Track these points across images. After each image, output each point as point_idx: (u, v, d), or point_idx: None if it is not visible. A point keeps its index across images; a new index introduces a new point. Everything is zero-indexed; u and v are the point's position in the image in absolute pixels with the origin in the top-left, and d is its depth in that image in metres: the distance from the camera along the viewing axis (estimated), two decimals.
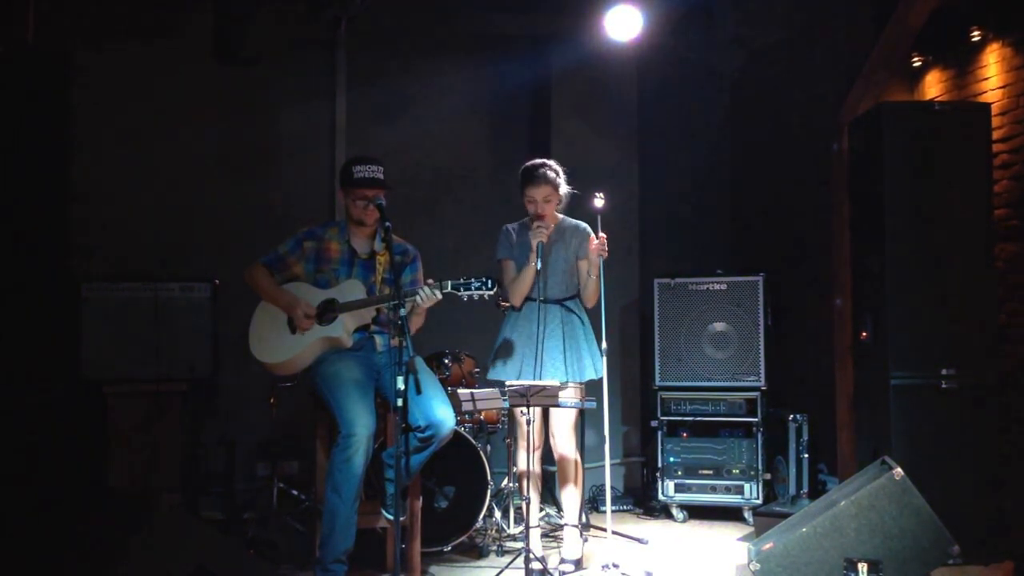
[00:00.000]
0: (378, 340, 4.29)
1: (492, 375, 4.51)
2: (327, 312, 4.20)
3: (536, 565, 4.17)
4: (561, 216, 4.57)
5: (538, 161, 4.50)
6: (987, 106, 4.81)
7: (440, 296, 4.04)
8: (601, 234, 4.36)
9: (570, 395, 4.29)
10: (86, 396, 4.98)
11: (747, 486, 5.45)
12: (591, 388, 4.51)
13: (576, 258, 4.52)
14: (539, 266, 4.32)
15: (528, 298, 4.47)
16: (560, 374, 4.38)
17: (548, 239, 4.38)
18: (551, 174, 4.44)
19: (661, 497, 5.61)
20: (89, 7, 5.46)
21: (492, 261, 4.58)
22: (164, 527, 3.62)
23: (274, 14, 5.69)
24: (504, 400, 4.13)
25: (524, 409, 4.14)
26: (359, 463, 3.94)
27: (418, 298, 4.02)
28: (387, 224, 4.03)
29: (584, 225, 4.55)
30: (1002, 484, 4.54)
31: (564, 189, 4.49)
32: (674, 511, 5.61)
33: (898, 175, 4.57)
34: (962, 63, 5.20)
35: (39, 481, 4.08)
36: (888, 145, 4.57)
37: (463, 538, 4.69)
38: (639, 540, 5.05)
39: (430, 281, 4.04)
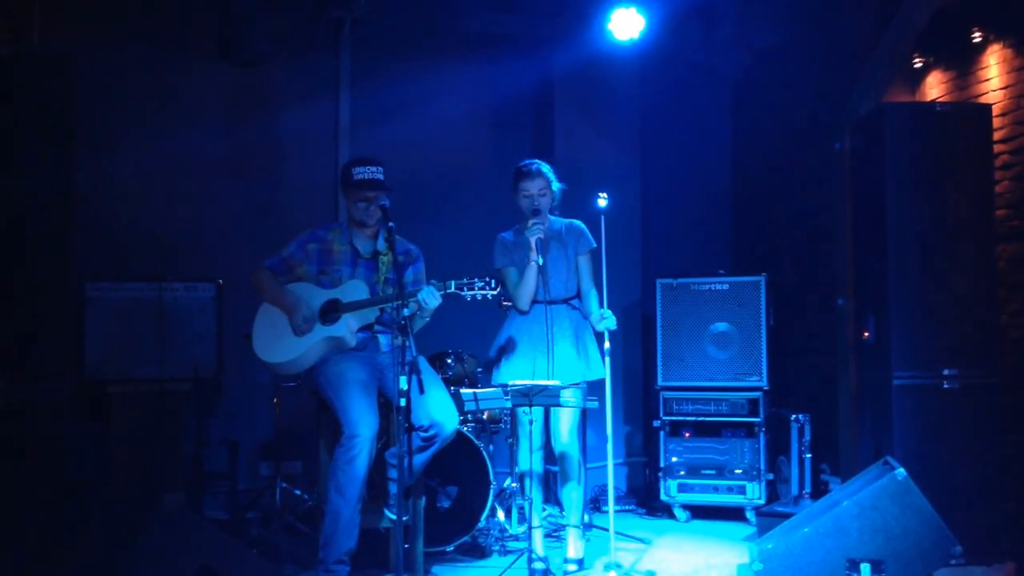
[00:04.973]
0: (381, 340, 4.30)
1: (499, 379, 4.46)
2: (330, 312, 4.21)
3: (539, 565, 4.18)
4: (553, 218, 4.59)
5: (528, 160, 4.56)
6: (988, 107, 4.82)
7: (440, 300, 4.03)
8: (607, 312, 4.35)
9: (572, 395, 4.30)
10: (90, 395, 4.99)
11: (749, 486, 5.46)
12: (593, 388, 4.52)
13: (576, 255, 4.53)
14: (540, 261, 4.33)
15: (533, 300, 4.48)
16: (577, 374, 4.39)
17: (545, 239, 4.40)
18: (544, 169, 4.50)
19: (664, 497, 5.62)
20: (94, 9, 5.48)
21: (493, 264, 4.58)
22: (168, 526, 3.63)
23: (278, 15, 5.70)
24: (507, 400, 4.14)
25: (526, 409, 4.15)
26: (362, 463, 3.95)
27: (420, 298, 4.02)
28: (390, 224, 4.04)
29: (578, 223, 4.58)
30: (1004, 484, 4.54)
31: (556, 186, 4.52)
32: (677, 511, 5.62)
33: (900, 175, 4.57)
34: (963, 64, 5.21)
35: (42, 480, 4.08)
36: (890, 146, 4.58)
37: (466, 538, 4.69)
38: (641, 540, 5.06)
39: (433, 281, 4.05)
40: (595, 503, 5.74)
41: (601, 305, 4.44)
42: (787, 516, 4.45)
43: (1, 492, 3.96)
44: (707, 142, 6.74)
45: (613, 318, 4.37)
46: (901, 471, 3.85)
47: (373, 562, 4.35)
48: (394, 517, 4.04)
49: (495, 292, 4.00)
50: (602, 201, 4.39)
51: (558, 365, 4.36)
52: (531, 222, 4.37)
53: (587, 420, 5.32)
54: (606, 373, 4.40)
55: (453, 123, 6.28)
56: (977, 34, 5.06)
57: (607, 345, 4.36)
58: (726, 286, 5.62)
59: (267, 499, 5.20)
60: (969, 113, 4.76)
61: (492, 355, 4.58)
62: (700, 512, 5.61)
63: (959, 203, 4.58)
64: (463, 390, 4.26)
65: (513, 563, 4.32)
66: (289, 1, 5.78)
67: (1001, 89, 4.95)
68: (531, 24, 6.18)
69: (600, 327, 4.39)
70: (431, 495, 4.59)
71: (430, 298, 4.00)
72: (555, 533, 5.05)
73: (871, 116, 4.81)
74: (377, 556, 4.37)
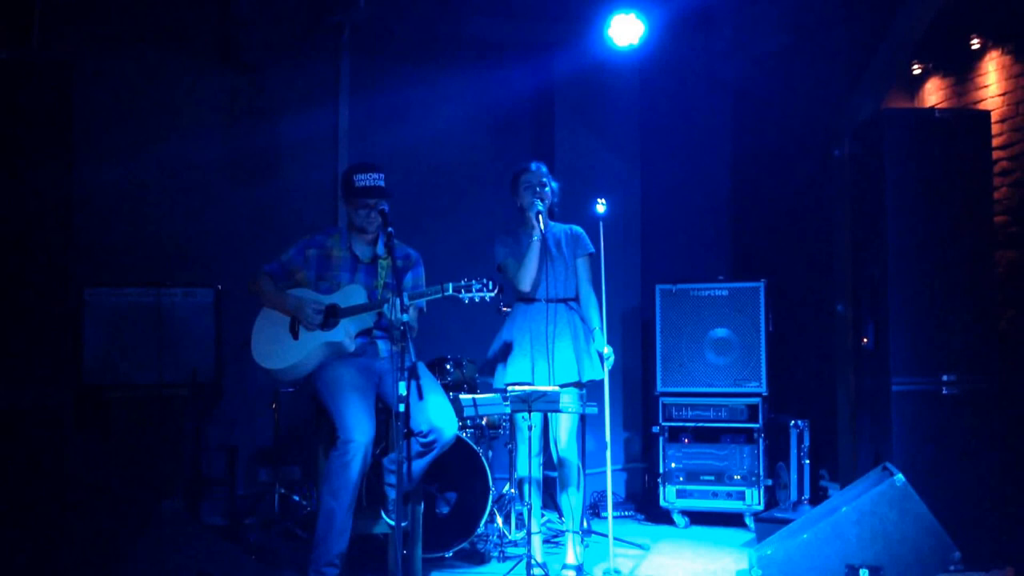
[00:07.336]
0: (380, 345, 4.30)
1: (499, 377, 4.48)
2: (329, 317, 4.21)
3: (538, 571, 4.17)
4: (552, 223, 4.59)
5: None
6: (987, 113, 4.84)
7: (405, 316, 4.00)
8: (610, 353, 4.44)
9: (571, 400, 4.30)
10: (88, 401, 4.99)
11: (748, 492, 5.45)
12: (592, 393, 4.52)
13: (574, 258, 4.54)
14: (544, 225, 4.32)
15: (531, 299, 4.48)
16: (574, 373, 4.39)
17: (545, 246, 4.41)
18: (543, 167, 4.54)
19: (663, 503, 5.61)
20: (94, 13, 5.48)
21: (493, 267, 4.59)
22: (166, 532, 3.63)
23: (277, 20, 5.71)
24: (506, 405, 4.14)
25: (526, 414, 4.15)
26: (357, 469, 3.94)
27: (420, 303, 4.02)
28: (389, 229, 4.04)
29: (578, 228, 4.59)
30: (1003, 490, 4.54)
31: (554, 184, 4.55)
32: (676, 517, 5.61)
33: (899, 182, 4.59)
34: (962, 71, 5.22)
35: (40, 485, 4.08)
36: (889, 152, 4.59)
37: (464, 544, 4.68)
38: (640, 546, 5.06)
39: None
40: (594, 509, 5.73)
41: (601, 312, 4.46)
42: (786, 522, 4.45)
43: None
44: (707, 148, 6.75)
45: (612, 358, 4.44)
46: (900, 477, 3.85)
47: (371, 568, 4.34)
48: (393, 523, 4.04)
49: (493, 294, 4.00)
50: (600, 207, 4.40)
51: (556, 363, 4.37)
52: (531, 200, 4.39)
53: (586, 426, 5.32)
54: (604, 375, 4.40)
55: (452, 128, 6.28)
56: (976, 41, 5.07)
57: (606, 350, 4.38)
58: (725, 292, 5.63)
59: (266, 505, 5.19)
60: (968, 119, 4.77)
61: (492, 353, 4.57)
62: (699, 518, 5.61)
63: (958, 209, 4.60)
64: (462, 396, 4.25)
65: (512, 569, 4.32)
66: (289, 6, 5.78)
67: (999, 96, 4.96)
68: (531, 30, 6.19)
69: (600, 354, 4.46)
70: (430, 501, 4.58)
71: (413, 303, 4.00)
72: (554, 539, 5.05)
73: (870, 122, 4.82)
74: (375, 562, 4.36)
